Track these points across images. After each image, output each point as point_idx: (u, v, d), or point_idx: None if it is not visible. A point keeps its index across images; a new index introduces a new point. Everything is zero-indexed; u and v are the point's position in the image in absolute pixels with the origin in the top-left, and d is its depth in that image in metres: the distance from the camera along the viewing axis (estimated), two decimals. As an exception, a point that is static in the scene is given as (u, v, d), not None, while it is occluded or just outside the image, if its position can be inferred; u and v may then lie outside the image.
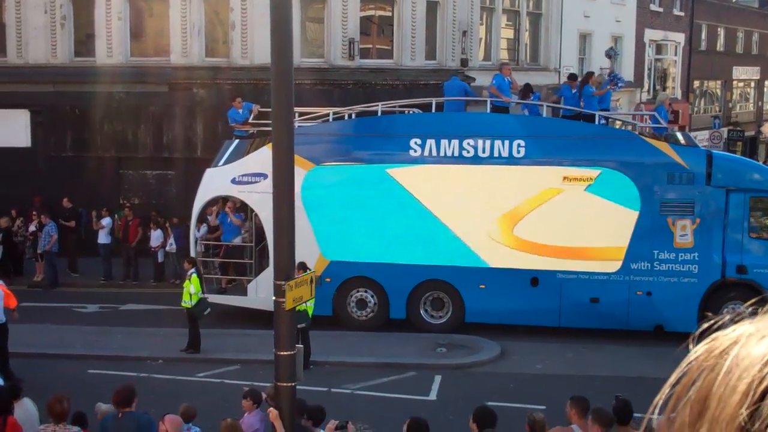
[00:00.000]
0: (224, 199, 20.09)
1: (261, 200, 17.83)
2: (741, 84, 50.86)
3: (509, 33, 30.89)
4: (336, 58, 25.33)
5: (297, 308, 10.29)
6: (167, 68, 25.08)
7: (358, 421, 9.11)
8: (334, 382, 14.94)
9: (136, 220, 23.56)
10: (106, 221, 23.34)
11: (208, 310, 16.73)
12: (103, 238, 23.23)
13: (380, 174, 17.96)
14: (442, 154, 17.81)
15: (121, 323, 18.84)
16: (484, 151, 17.60)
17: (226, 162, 18.83)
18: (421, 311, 18.42)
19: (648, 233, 17.23)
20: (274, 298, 9.41)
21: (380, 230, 18.07)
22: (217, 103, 24.52)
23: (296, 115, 19.60)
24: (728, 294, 17.28)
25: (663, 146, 17.35)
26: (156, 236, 22.86)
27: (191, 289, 16.45)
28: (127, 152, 25.55)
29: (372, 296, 18.49)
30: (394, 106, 20.28)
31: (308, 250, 17.80)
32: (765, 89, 53.50)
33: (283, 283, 9.25)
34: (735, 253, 17.29)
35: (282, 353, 9.32)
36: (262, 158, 17.90)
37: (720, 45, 48.76)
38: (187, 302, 16.57)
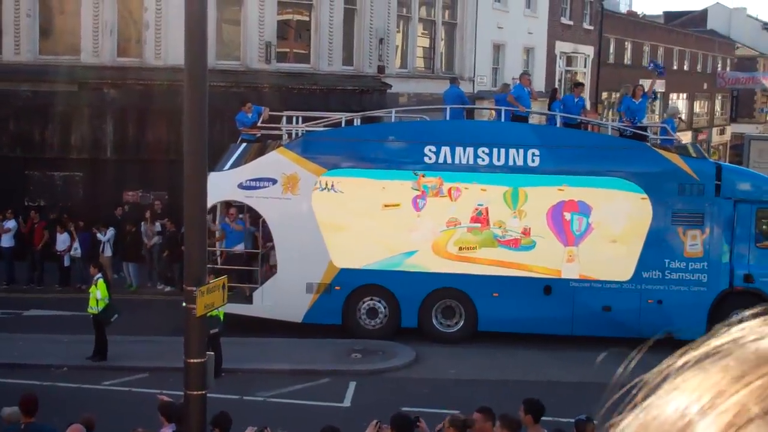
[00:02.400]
0: (226, 205, 19.20)
1: (269, 205, 17.60)
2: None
3: (425, 42, 31.15)
4: (252, 61, 25.05)
5: (209, 314, 10.06)
6: (77, 67, 24.38)
7: (278, 428, 8.94)
8: (247, 390, 14.67)
9: (42, 222, 22.83)
10: (10, 224, 22.53)
11: (116, 316, 16.26)
12: (6, 241, 22.39)
13: (389, 179, 17.73)
14: (456, 161, 17.66)
15: (23, 329, 18.17)
16: (499, 160, 17.58)
17: (232, 166, 18.15)
18: (434, 320, 18.14)
19: (659, 243, 17.51)
20: (184, 304, 9.19)
21: (391, 237, 17.77)
22: (128, 104, 23.97)
23: (300, 120, 19.41)
24: (736, 302, 17.52)
25: (674, 158, 17.68)
26: (62, 240, 22.15)
27: (98, 294, 15.98)
28: (34, 152, 24.71)
29: (383, 305, 18.15)
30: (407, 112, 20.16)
31: (318, 256, 17.71)
32: (670, 101, 55.18)
33: (194, 288, 9.04)
34: (742, 262, 17.71)
35: (192, 361, 9.09)
36: (271, 163, 17.62)
37: (627, 58, 50.14)
38: (93, 308, 16.08)
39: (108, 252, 22.10)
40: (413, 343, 17.46)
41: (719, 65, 67.64)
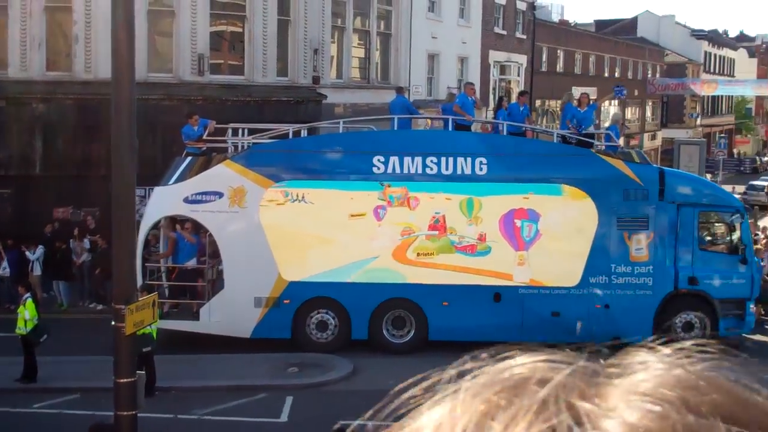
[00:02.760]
0: (173, 220, 18.79)
1: (216, 219, 17.33)
2: (580, 103, 53.38)
3: (360, 52, 31.15)
4: (185, 74, 24.74)
5: (141, 331, 9.86)
6: (5, 82, 23.80)
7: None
8: (181, 409, 14.41)
9: (-32, 241, 22.20)
10: (-65, 243, 21.85)
11: (45, 336, 15.84)
12: (-69, 260, 21.73)
13: (342, 190, 17.65)
14: (405, 171, 17.63)
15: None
16: (447, 169, 17.61)
17: (178, 180, 17.80)
18: (384, 331, 18.06)
19: (605, 248, 17.75)
20: (113, 323, 8.99)
21: (341, 249, 17.63)
22: (57, 118, 23.47)
23: (246, 132, 19.08)
24: (680, 304, 18.12)
25: (618, 164, 17.92)
26: (-10, 259, 21.57)
27: (26, 314, 15.57)
28: (-40, 169, 24.06)
29: (333, 317, 17.97)
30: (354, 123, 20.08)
31: (267, 270, 17.44)
32: (602, 108, 56.10)
33: (122, 307, 8.86)
34: (686, 265, 18.10)
35: (121, 380, 8.91)
36: (217, 176, 17.32)
37: (560, 66, 50.89)
38: (22, 329, 15.66)
39: (37, 271, 21.56)
40: (365, 354, 17.33)
41: (649, 72, 69.05)
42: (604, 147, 18.89)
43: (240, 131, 19.19)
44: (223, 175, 17.62)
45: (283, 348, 17.39)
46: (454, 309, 17.60)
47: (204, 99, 24.20)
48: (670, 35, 79.61)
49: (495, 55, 40.00)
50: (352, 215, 17.63)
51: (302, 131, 19.28)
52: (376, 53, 31.82)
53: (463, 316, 17.54)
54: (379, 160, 17.55)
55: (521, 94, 21.56)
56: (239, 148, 18.62)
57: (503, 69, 41.01)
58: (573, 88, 50.70)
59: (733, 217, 18.43)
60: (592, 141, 19.53)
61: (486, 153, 17.62)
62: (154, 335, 14.78)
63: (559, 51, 50.65)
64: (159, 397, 14.22)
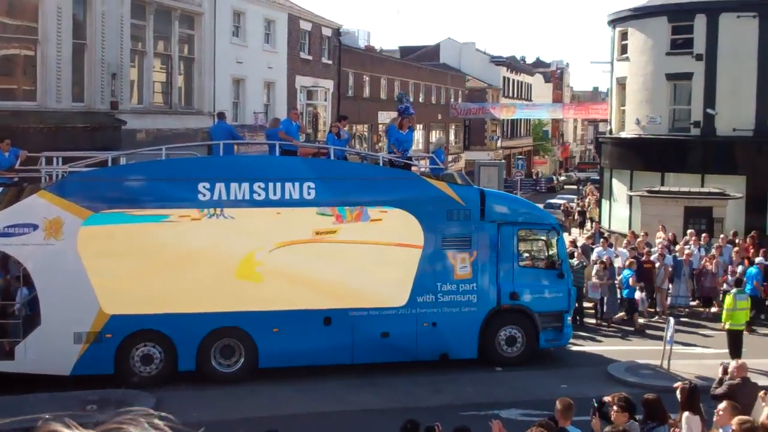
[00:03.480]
0: None
1: (30, 253, 16.27)
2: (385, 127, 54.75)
3: (162, 76, 30.61)
4: (-29, 100, 23.44)
5: None
6: None
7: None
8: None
9: None
10: None
11: None
12: None
13: (163, 219, 16.97)
14: (232, 197, 17.16)
15: None
16: (275, 194, 17.33)
17: None
18: (212, 361, 17.48)
19: (432, 267, 18.03)
20: None
21: (165, 279, 16.98)
22: None
23: (60, 160, 17.94)
24: (503, 319, 18.67)
25: (442, 185, 18.24)
26: None
27: None
28: None
29: (158, 350, 17.23)
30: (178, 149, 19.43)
31: (86, 304, 16.49)
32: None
33: None
34: (508, 281, 18.66)
35: None
36: (30, 207, 16.26)
37: (366, 91, 52.05)
38: None
39: None
40: (157, 389, 16.87)
41: (452, 97, 71.82)
42: (428, 170, 19.38)
43: (54, 159, 18.30)
44: (37, 205, 16.67)
45: (100, 384, 16.58)
46: (285, 335, 17.46)
47: (-7, 126, 22.98)
48: (470, 61, 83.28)
49: (302, 80, 40.40)
50: (182, 243, 17.18)
51: (121, 158, 18.59)
52: (179, 78, 31.38)
53: (293, 342, 17.46)
54: (204, 186, 17.17)
55: (341, 119, 21.77)
56: (54, 178, 17.73)
57: (310, 94, 41.46)
58: (379, 112, 52.20)
59: (549, 233, 19.37)
60: (415, 163, 20.07)
61: (314, 177, 17.62)
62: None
63: (365, 76, 51.79)
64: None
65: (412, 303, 18.00)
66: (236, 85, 35.01)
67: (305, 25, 41.08)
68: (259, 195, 17.32)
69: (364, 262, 17.75)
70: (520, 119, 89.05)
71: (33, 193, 16.76)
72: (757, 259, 24.15)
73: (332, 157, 18.75)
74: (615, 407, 9.23)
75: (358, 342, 17.76)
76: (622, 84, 40.26)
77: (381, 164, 19.14)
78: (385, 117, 52.15)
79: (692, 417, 10.22)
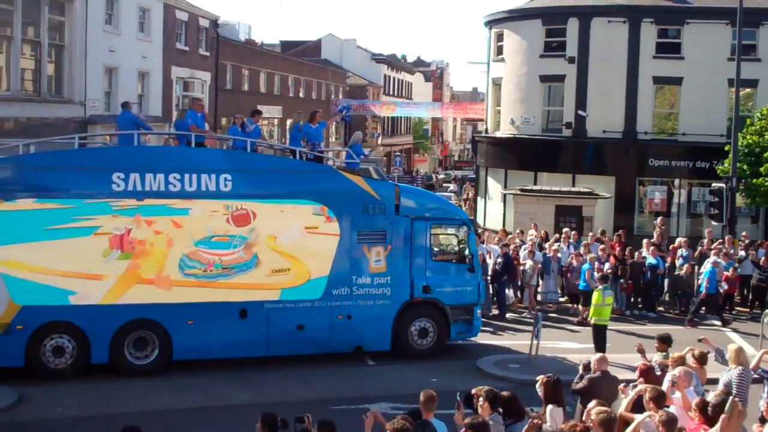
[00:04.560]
0: None
1: None
2: (266, 122, 54.14)
3: (31, 64, 29.39)
4: None
5: None
6: None
7: None
8: None
9: None
10: None
11: None
12: None
13: (76, 210, 16.47)
14: (147, 188, 16.83)
15: None
16: (191, 186, 17.09)
17: None
18: (126, 353, 17.10)
19: (347, 260, 18.12)
20: None
21: (78, 270, 16.52)
22: None
23: None
24: (416, 312, 18.92)
25: (358, 180, 18.27)
26: None
27: None
28: None
29: (70, 342, 16.73)
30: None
31: None
32: (287, 127, 57.44)
33: None
34: (420, 275, 18.94)
35: None
36: None
37: (245, 85, 51.45)
38: None
39: None
40: (20, 384, 16.18)
41: (333, 93, 71.84)
42: (344, 164, 19.40)
43: None
44: None
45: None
46: (200, 327, 17.31)
47: None
48: (352, 58, 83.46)
49: (178, 71, 39.59)
50: (95, 234, 16.78)
51: (31, 147, 17.80)
52: (48, 66, 30.21)
53: (208, 334, 17.35)
54: (119, 177, 16.82)
55: (254, 113, 21.47)
56: None
57: (186, 85, 40.70)
58: (258, 106, 51.63)
59: (460, 228, 19.75)
60: (328, 157, 20.13)
61: (231, 169, 17.49)
62: None
63: (244, 69, 51.18)
64: None
65: (328, 296, 18.13)
66: (109, 74, 34.02)
67: (182, 15, 40.26)
68: (175, 186, 17.16)
69: (279, 254, 17.78)
70: (401, 117, 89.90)
71: None
72: (712, 258, 25.02)
73: (249, 150, 18.66)
74: (480, 400, 9.40)
75: (274, 335, 17.82)
76: (497, 84, 41.15)
77: (298, 158, 18.99)
78: (265, 111, 51.83)
79: (556, 409, 10.51)
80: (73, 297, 16.77)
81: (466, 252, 19.67)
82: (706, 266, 24.17)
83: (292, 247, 17.89)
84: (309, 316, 18.05)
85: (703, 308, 24.36)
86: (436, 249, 19.50)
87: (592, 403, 9.54)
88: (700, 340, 13.59)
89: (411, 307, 19.03)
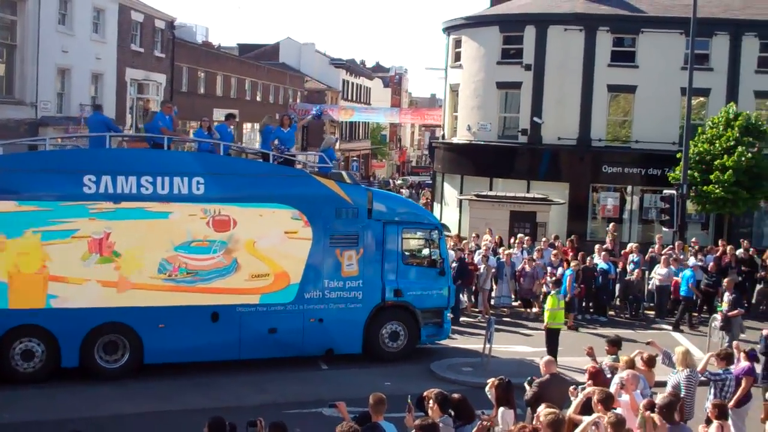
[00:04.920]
0: None
1: None
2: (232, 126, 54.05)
3: (-19, 63, 28.95)
4: None
5: None
6: None
7: None
8: None
9: None
10: None
11: None
12: None
13: (47, 212, 16.29)
14: (119, 191, 16.70)
15: None
16: (163, 188, 16.97)
17: None
18: (96, 357, 16.90)
19: (319, 264, 18.15)
20: None
21: (47, 273, 16.31)
22: None
23: None
24: (387, 316, 19.02)
25: (331, 184, 18.34)
26: None
27: None
28: None
29: (40, 346, 16.50)
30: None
31: None
32: (244, 130, 57.17)
33: None
34: (392, 278, 19.06)
35: None
36: None
37: (201, 87, 51.09)
38: None
39: None
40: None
41: (291, 97, 71.67)
42: (317, 168, 19.33)
43: None
44: None
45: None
46: (171, 330, 17.20)
47: None
48: (310, 62, 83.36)
49: (132, 73, 39.18)
50: (72, 237, 16.59)
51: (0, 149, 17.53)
52: (0, 66, 29.74)
53: (180, 338, 17.25)
54: (90, 179, 16.63)
55: (228, 117, 21.33)
56: None
57: (141, 87, 40.27)
58: (215, 109, 51.32)
59: (432, 233, 19.86)
60: (300, 160, 20.13)
61: (203, 173, 17.39)
62: None
63: (200, 72, 50.87)
64: None
65: (300, 299, 18.15)
66: (61, 75, 33.57)
67: (137, 16, 39.86)
68: (147, 189, 17.04)
69: (252, 258, 17.74)
70: (359, 122, 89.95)
71: None
72: (690, 262, 25.27)
73: (222, 153, 18.56)
74: (430, 402, 9.43)
75: (246, 338, 17.79)
76: (455, 91, 41.35)
77: (271, 161, 18.89)
78: (221, 114, 51.50)
79: (507, 411, 10.60)
80: (42, 300, 16.53)
81: (437, 256, 19.78)
82: (686, 271, 24.42)
83: (264, 250, 17.86)
84: (281, 319, 18.05)
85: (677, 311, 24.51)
86: (407, 253, 19.61)
87: (541, 406, 9.61)
88: (647, 343, 13.80)
89: (382, 310, 19.11)
